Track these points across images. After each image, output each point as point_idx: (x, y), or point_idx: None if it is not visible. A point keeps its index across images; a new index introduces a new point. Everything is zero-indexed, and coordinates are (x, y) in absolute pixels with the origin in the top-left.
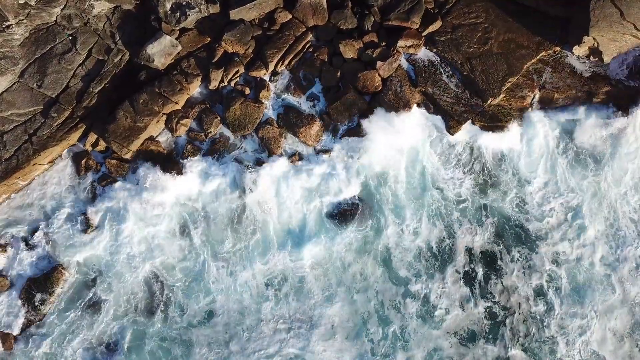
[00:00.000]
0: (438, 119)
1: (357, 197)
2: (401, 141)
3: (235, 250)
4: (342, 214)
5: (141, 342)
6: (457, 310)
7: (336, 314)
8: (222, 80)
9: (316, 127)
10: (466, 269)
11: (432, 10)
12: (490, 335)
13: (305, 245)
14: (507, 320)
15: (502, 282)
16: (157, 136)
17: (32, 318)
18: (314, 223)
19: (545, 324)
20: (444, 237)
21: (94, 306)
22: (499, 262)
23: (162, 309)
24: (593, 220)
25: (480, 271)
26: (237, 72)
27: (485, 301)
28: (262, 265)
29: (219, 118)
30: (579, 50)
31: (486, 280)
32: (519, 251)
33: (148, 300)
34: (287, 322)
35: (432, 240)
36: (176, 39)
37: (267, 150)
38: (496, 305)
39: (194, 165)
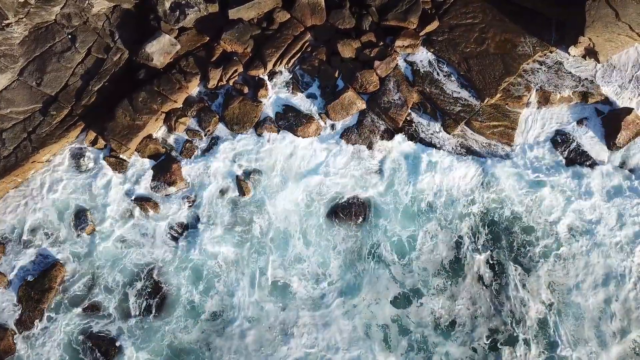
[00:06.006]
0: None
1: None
2: None
3: None
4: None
5: None
6: None
7: None
8: (220, 79)
9: (314, 126)
10: None
11: (429, 11)
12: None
13: None
14: None
15: None
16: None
17: (31, 314)
18: None
19: None
20: None
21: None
22: None
23: None
24: None
25: None
26: (235, 71)
27: None
28: None
29: (217, 117)
30: (575, 50)
31: None
32: None
33: None
34: None
35: None
36: (175, 38)
37: None
38: None
39: None
